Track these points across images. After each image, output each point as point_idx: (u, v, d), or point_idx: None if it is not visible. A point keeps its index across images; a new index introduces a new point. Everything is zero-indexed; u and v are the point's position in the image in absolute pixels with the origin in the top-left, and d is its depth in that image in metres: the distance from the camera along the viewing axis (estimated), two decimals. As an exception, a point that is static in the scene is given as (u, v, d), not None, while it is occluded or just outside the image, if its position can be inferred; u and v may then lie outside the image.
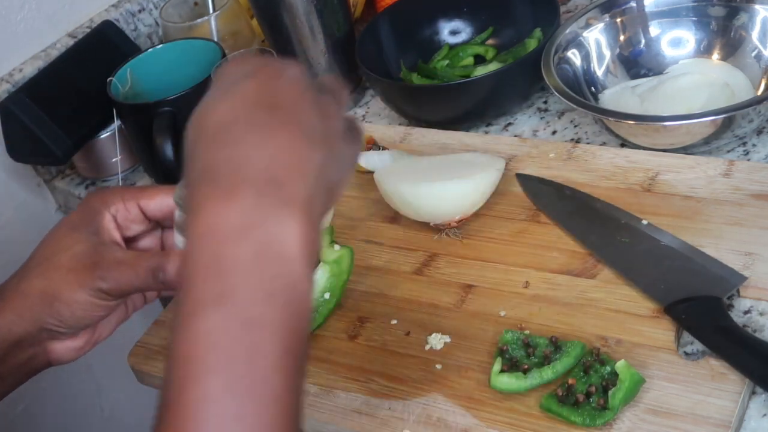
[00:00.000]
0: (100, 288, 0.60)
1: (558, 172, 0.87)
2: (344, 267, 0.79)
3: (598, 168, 0.87)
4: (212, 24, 1.07)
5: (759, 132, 0.88)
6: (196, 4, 1.14)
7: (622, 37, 0.98)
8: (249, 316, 0.41)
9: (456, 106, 0.98)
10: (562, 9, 1.08)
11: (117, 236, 0.64)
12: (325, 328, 0.79)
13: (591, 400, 0.65)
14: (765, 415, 0.65)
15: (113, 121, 1.07)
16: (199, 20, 1.07)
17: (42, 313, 0.59)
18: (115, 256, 0.61)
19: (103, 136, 1.09)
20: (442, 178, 0.82)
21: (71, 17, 1.18)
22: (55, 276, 0.60)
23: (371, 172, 0.90)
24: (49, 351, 0.61)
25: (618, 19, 0.98)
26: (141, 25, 1.22)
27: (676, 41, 0.98)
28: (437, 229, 0.85)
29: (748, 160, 0.86)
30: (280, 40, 1.05)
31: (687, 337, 0.70)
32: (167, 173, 0.93)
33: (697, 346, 0.69)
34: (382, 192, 0.86)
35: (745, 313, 0.71)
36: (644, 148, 0.87)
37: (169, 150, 0.92)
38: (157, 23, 1.23)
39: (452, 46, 1.10)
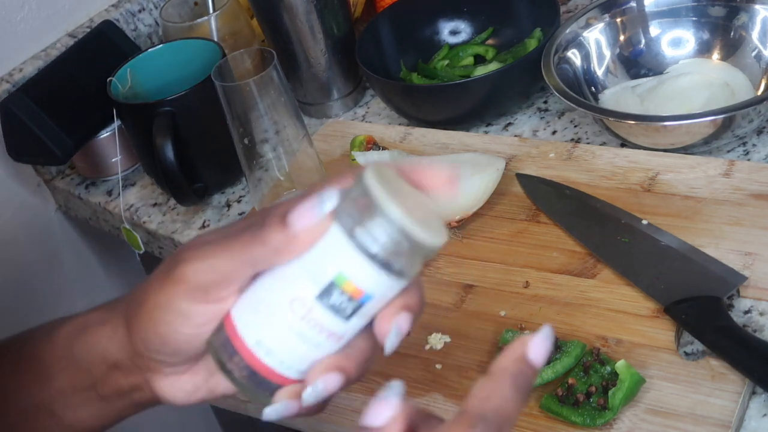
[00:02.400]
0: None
1: (558, 172, 0.87)
2: (344, 267, 0.79)
3: (598, 168, 0.87)
4: (212, 24, 1.07)
5: (759, 132, 0.88)
6: (196, 4, 1.14)
7: (622, 37, 0.98)
8: None
9: (456, 106, 0.98)
10: (562, 9, 1.08)
11: None
12: (325, 328, 0.79)
13: (591, 400, 0.65)
14: (765, 415, 0.65)
15: (113, 121, 1.07)
16: (199, 20, 1.07)
17: (128, 335, 0.52)
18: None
19: (103, 136, 1.09)
20: (442, 178, 0.82)
21: (71, 17, 1.18)
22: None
23: (371, 172, 0.90)
24: (153, 386, 0.53)
25: (618, 19, 0.98)
26: (141, 25, 1.22)
27: (676, 41, 0.98)
28: (437, 229, 0.85)
29: (748, 160, 0.86)
30: (280, 40, 1.06)
31: (687, 337, 0.70)
32: (167, 173, 0.93)
33: (697, 346, 0.69)
34: (382, 192, 0.86)
35: (745, 313, 0.71)
36: (644, 148, 0.87)
37: (169, 150, 0.92)
38: (157, 23, 1.23)
39: (452, 46, 1.10)
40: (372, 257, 0.44)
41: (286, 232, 0.45)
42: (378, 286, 0.45)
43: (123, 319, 0.52)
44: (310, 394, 0.47)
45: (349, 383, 0.48)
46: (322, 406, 0.50)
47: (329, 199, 0.45)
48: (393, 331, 0.46)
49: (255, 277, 0.48)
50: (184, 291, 0.48)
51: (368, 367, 0.49)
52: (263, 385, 0.48)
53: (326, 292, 0.45)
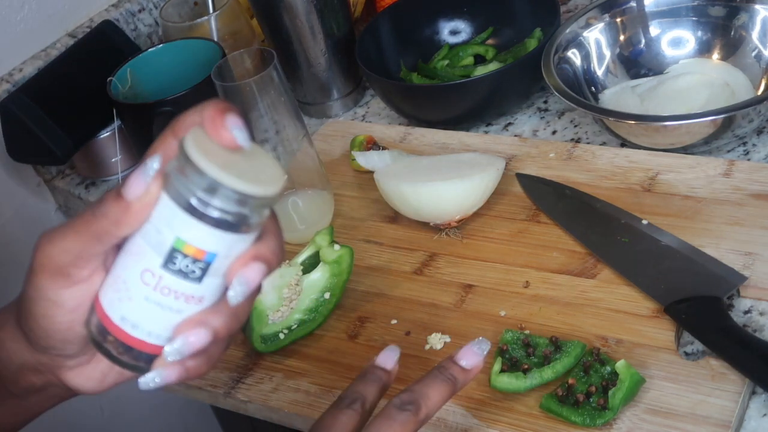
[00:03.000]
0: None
1: (558, 172, 0.87)
2: (344, 267, 0.79)
3: (598, 168, 0.87)
4: (212, 24, 1.07)
5: (759, 132, 0.88)
6: (196, 4, 1.14)
7: (622, 37, 0.98)
8: None
9: (456, 106, 0.98)
10: (562, 9, 1.08)
11: None
12: (325, 328, 0.79)
13: (591, 400, 0.65)
14: (765, 415, 0.65)
15: (113, 121, 1.07)
16: (199, 20, 1.07)
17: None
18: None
19: (103, 136, 1.09)
20: (442, 178, 0.82)
21: (71, 17, 1.18)
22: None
23: (371, 172, 0.90)
24: (63, 380, 0.54)
25: (618, 19, 0.98)
26: (141, 25, 1.22)
27: (676, 41, 0.98)
28: (437, 229, 0.85)
29: (748, 160, 0.86)
30: (280, 40, 1.06)
31: (687, 337, 0.70)
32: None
33: (697, 346, 0.69)
34: (382, 192, 0.86)
35: (745, 313, 0.71)
36: (644, 148, 0.87)
37: (169, 150, 0.92)
38: (157, 23, 1.23)
39: (452, 46, 1.10)
40: (202, 217, 0.45)
41: (120, 203, 0.47)
42: (219, 243, 0.46)
43: (15, 321, 0.53)
44: (169, 353, 0.48)
45: (222, 336, 0.49)
46: (203, 367, 0.50)
47: (152, 165, 0.46)
48: (235, 282, 0.47)
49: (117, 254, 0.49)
50: (46, 278, 0.49)
51: (243, 318, 0.50)
52: (141, 358, 0.49)
53: (170, 259, 0.46)
